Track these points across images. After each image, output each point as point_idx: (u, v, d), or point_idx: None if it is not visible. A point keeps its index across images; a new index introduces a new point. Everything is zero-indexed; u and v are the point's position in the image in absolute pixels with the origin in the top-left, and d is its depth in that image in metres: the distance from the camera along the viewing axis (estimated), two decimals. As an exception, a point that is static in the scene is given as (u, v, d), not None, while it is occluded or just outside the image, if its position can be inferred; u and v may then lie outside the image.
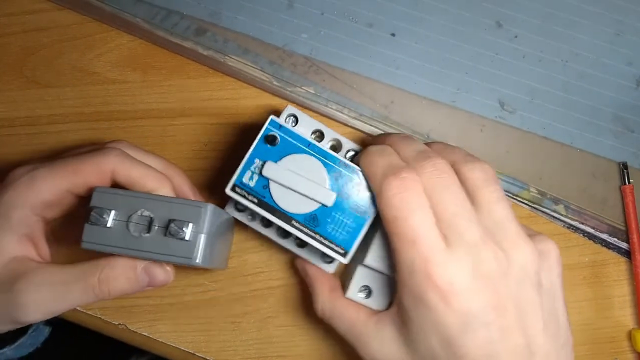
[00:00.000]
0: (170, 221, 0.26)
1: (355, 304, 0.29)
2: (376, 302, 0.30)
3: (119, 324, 0.34)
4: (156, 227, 0.26)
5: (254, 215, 0.31)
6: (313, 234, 0.29)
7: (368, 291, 0.30)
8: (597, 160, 0.37)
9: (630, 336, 0.36)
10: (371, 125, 0.36)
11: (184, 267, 0.34)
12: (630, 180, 0.37)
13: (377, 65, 0.37)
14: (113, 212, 0.26)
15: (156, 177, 0.28)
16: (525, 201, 0.37)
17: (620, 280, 0.37)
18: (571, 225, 0.37)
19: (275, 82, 0.36)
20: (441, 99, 0.37)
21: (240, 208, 0.31)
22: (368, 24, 0.37)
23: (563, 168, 0.37)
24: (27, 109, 0.36)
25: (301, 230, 0.28)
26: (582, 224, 0.37)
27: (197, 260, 0.26)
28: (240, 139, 0.36)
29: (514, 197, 0.37)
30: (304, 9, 0.37)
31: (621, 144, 0.38)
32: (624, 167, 0.37)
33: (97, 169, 0.26)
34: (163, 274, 0.27)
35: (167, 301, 0.34)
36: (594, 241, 0.37)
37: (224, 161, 0.36)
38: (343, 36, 0.37)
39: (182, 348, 0.34)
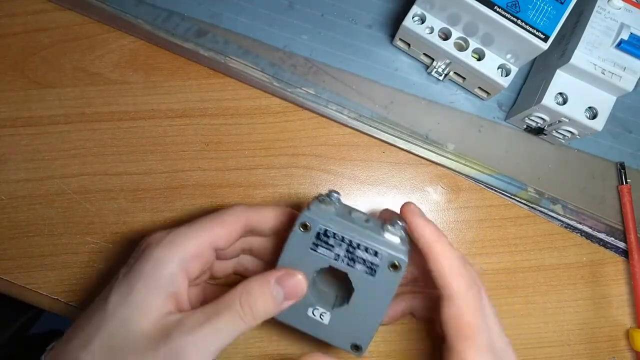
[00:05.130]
0: (385, 221, 0.28)
1: None
2: None
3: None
4: (372, 222, 0.28)
5: (432, 29, 0.33)
6: (514, 19, 0.30)
7: None
8: (595, 161, 0.38)
9: (627, 335, 0.36)
10: (371, 126, 0.37)
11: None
12: (628, 180, 0.37)
13: (377, 67, 0.37)
14: (339, 199, 0.28)
15: (279, 209, 0.30)
16: (524, 201, 0.37)
17: (618, 279, 0.37)
18: (569, 224, 0.37)
19: (275, 83, 0.36)
20: (440, 100, 0.37)
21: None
22: (367, 25, 0.38)
23: (561, 168, 0.37)
24: (29, 109, 0.36)
25: (504, 16, 0.30)
26: (580, 223, 0.37)
27: (404, 257, 0.27)
28: (240, 140, 0.36)
29: (512, 197, 0.37)
30: (304, 10, 0.38)
31: (619, 145, 0.38)
32: (621, 167, 0.37)
33: (235, 219, 0.28)
34: (295, 282, 0.27)
35: (168, 300, 0.34)
36: (591, 241, 0.37)
37: (225, 161, 0.36)
38: (343, 37, 0.37)
39: (183, 347, 0.34)
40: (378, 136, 0.37)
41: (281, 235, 0.31)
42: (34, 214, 0.35)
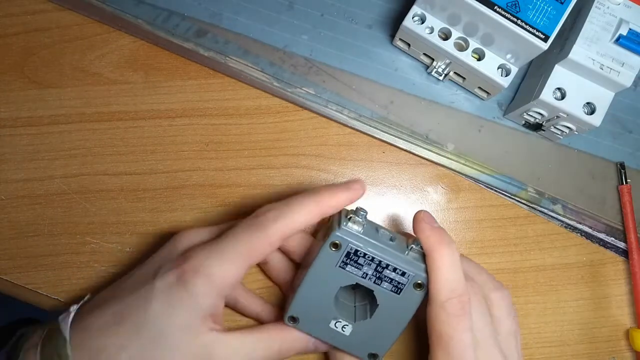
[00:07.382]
0: (408, 239, 0.29)
1: None
2: None
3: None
4: (397, 240, 0.28)
5: (432, 29, 0.33)
6: (514, 19, 0.30)
7: None
8: (595, 161, 0.38)
9: (627, 335, 0.36)
10: (371, 126, 0.37)
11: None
12: (628, 180, 0.37)
13: (377, 67, 0.37)
14: (366, 217, 0.28)
15: (311, 209, 0.29)
16: (524, 201, 0.37)
17: (618, 279, 0.37)
18: (569, 224, 0.37)
19: (275, 83, 0.36)
20: (440, 100, 0.37)
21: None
22: (367, 25, 0.38)
23: (561, 168, 0.37)
24: (29, 110, 0.36)
25: (504, 16, 0.30)
26: (580, 223, 0.37)
27: (424, 274, 0.27)
28: (240, 140, 0.36)
29: (512, 197, 0.37)
30: (304, 10, 0.38)
31: (619, 144, 0.38)
32: (621, 167, 0.37)
33: (268, 241, 0.28)
34: (326, 348, 0.31)
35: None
36: (591, 241, 0.37)
37: (225, 161, 0.36)
38: (343, 37, 0.37)
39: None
40: (378, 136, 0.37)
41: (309, 232, 0.32)
42: (34, 214, 0.35)
